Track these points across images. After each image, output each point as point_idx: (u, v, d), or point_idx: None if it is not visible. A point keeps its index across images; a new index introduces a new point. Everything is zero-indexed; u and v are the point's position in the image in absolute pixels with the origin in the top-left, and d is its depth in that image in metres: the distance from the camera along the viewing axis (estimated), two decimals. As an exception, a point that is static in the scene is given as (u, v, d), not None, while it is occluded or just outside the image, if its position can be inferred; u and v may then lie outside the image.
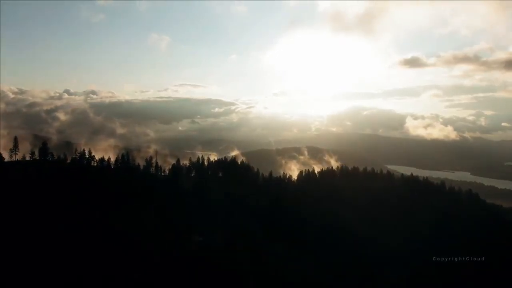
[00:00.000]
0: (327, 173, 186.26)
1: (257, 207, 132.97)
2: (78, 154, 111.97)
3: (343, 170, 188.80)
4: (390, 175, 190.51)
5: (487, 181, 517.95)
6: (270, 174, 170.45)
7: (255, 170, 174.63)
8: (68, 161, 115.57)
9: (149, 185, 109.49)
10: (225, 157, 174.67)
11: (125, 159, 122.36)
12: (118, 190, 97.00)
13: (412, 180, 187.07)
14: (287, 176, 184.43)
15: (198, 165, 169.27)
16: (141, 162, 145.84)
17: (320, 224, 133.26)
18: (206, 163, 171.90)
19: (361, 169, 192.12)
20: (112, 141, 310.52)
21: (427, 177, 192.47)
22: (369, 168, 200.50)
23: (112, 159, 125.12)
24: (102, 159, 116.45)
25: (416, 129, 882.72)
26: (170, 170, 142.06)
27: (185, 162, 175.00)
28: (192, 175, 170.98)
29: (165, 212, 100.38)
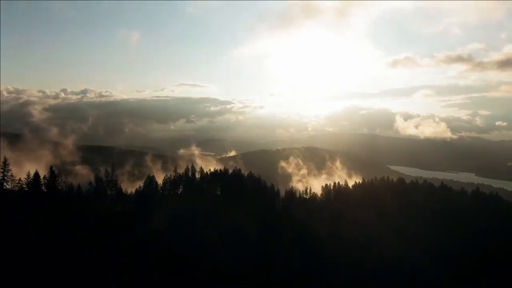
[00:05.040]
0: (363, 187, 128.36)
1: (283, 258, 74.84)
2: None
3: (385, 182, 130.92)
4: (446, 188, 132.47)
5: (494, 183, 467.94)
6: (291, 192, 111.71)
7: (267, 185, 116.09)
8: None
9: (78, 231, 50.19)
10: (225, 167, 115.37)
11: (48, 178, 62.89)
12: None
13: (479, 194, 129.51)
14: (310, 191, 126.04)
15: (187, 179, 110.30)
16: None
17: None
18: (198, 175, 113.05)
19: (394, 178, 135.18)
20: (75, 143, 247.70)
21: (497, 192, 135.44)
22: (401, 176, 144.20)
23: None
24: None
25: (414, 128, 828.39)
26: (136, 192, 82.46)
27: (169, 173, 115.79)
28: (179, 190, 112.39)
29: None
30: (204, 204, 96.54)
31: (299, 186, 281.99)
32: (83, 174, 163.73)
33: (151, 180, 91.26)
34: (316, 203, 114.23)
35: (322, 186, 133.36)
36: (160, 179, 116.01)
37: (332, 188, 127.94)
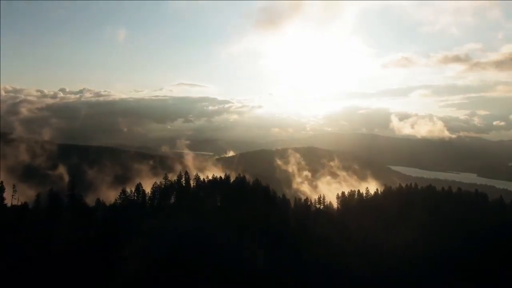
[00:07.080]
0: (387, 197, 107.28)
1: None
2: None
3: (410, 190, 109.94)
4: (483, 195, 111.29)
5: (496, 183, 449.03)
6: (307, 203, 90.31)
7: (278, 195, 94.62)
8: None
9: None
10: (226, 174, 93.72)
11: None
12: None
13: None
14: (324, 200, 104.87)
15: (180, 188, 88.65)
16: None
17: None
18: (193, 182, 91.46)
19: (414, 184, 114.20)
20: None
21: None
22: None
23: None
24: None
25: (413, 129, 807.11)
26: (110, 208, 60.59)
27: (160, 180, 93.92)
28: (171, 201, 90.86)
29: None
30: (199, 219, 75.25)
31: (303, 188, 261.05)
32: (64, 178, 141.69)
33: (126, 195, 69.03)
34: (334, 215, 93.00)
35: (338, 194, 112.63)
36: (151, 183, 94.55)
37: (348, 196, 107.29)
